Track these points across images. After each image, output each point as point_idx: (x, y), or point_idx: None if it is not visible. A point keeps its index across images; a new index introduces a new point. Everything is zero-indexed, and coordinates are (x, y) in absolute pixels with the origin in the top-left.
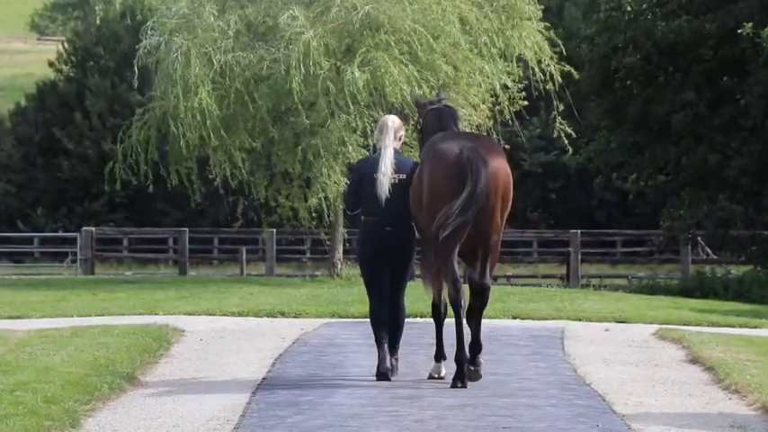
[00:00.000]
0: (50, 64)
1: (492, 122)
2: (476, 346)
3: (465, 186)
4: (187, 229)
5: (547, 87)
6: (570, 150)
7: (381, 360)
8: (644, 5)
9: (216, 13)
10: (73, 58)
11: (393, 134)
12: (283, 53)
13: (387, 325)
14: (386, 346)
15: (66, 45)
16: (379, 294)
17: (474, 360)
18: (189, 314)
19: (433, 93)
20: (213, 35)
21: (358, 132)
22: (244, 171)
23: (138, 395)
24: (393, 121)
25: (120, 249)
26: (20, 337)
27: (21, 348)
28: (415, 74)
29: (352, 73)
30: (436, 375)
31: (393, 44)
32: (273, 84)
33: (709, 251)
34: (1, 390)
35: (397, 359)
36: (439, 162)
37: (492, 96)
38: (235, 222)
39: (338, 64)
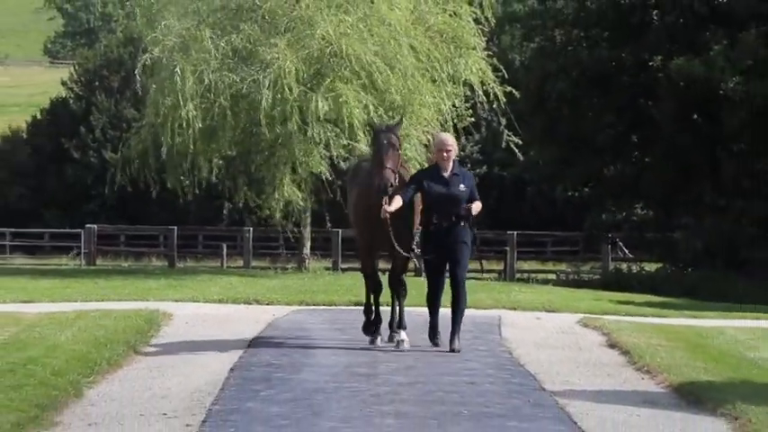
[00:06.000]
0: (63, 83)
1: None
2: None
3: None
4: (176, 227)
5: (494, 106)
6: (520, 156)
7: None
8: (573, 34)
9: (209, 37)
10: (82, 79)
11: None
12: (258, 75)
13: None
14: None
15: (76, 67)
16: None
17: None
18: (176, 300)
19: (387, 116)
20: (205, 56)
21: (321, 145)
22: (217, 176)
23: (132, 370)
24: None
25: (117, 244)
26: (30, 318)
27: (31, 328)
28: (372, 102)
29: (317, 101)
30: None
31: (355, 75)
32: (251, 102)
33: (626, 251)
34: (15, 364)
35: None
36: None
37: (440, 116)
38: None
39: (306, 90)
